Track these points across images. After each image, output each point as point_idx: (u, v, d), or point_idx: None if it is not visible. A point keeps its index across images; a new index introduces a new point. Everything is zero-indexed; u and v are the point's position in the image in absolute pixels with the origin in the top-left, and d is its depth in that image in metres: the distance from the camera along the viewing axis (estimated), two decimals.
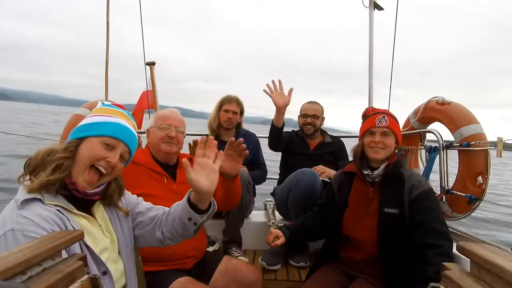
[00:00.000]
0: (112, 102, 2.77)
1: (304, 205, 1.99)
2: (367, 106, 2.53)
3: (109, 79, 3.04)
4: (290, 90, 2.06)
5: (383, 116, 1.48)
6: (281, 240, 1.59)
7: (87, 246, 0.90)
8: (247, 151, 1.43)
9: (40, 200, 0.87)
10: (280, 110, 2.07)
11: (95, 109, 1.05)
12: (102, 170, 0.96)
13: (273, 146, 2.31)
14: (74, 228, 0.89)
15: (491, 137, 2.13)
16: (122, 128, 1.01)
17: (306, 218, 1.71)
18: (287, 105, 2.07)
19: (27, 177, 0.91)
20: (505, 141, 2.03)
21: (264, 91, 2.05)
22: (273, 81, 2.06)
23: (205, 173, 1.00)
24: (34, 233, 0.79)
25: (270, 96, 2.04)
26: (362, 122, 1.60)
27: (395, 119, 1.53)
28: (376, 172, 1.47)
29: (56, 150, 0.94)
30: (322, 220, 1.66)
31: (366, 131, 1.51)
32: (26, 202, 0.84)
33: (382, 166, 1.46)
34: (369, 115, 1.55)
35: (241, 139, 1.41)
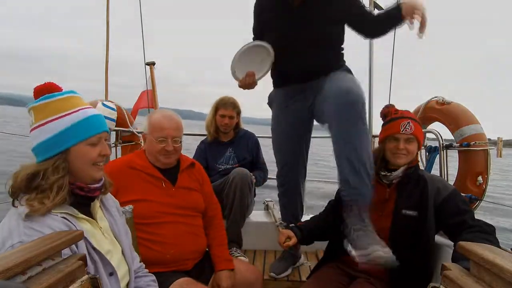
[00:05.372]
0: (111, 102, 2.77)
1: None
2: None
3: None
4: None
5: (408, 122, 1.43)
6: (293, 240, 1.55)
7: (94, 248, 0.90)
8: None
9: None
10: None
11: (49, 107, 0.91)
12: (102, 164, 0.97)
13: None
14: None
15: None
16: (93, 120, 0.95)
17: (318, 217, 1.69)
18: None
19: (24, 195, 0.86)
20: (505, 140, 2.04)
21: None
22: None
23: None
24: None
25: None
26: (383, 123, 1.56)
27: (418, 122, 1.49)
28: (394, 173, 1.44)
29: (44, 170, 0.86)
30: (333, 220, 1.64)
31: (389, 136, 1.47)
32: (31, 213, 0.82)
33: (402, 168, 1.44)
34: (393, 118, 1.50)
35: None
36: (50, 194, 0.85)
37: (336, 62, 1.72)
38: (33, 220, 0.81)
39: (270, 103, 1.94)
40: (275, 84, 1.87)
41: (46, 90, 0.92)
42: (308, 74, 1.70)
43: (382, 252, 1.24)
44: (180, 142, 1.47)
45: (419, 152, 2.53)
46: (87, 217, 0.94)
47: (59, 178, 0.87)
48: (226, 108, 2.34)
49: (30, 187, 0.86)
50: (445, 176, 2.16)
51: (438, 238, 1.58)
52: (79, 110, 0.93)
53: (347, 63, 1.78)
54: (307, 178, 2.08)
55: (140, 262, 1.18)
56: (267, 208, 2.66)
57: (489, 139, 2.12)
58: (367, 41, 2.56)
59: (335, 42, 1.72)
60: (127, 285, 1.04)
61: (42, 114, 0.90)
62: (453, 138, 2.22)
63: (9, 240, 0.78)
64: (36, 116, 0.90)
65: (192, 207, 1.49)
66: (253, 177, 2.22)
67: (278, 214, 2.33)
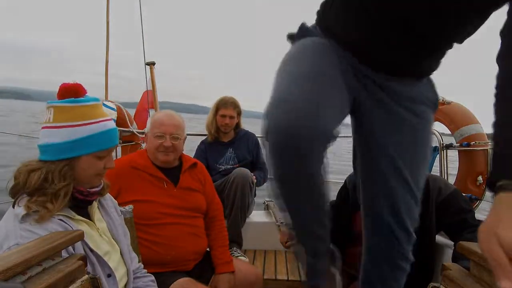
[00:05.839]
0: (112, 102, 2.77)
1: None
2: None
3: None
4: None
5: None
6: None
7: (91, 250, 0.90)
8: None
9: None
10: None
11: (73, 111, 0.90)
12: (103, 174, 0.98)
13: None
14: None
15: None
16: (110, 134, 0.95)
17: None
18: None
19: (24, 196, 0.86)
20: None
21: None
22: None
23: None
24: None
25: None
26: None
27: None
28: None
29: (51, 174, 0.87)
30: (333, 221, 1.64)
31: None
32: (28, 215, 0.82)
33: None
34: None
35: None
36: (55, 200, 0.85)
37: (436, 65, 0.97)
38: (30, 222, 0.81)
39: (297, 36, 0.94)
40: (341, 36, 0.89)
41: (73, 91, 0.92)
42: (394, 55, 0.87)
43: None
44: (180, 140, 1.46)
45: None
46: (84, 219, 0.94)
47: (66, 186, 0.88)
48: (226, 108, 2.34)
49: (37, 189, 0.86)
50: (445, 176, 2.16)
51: (438, 238, 1.58)
52: (100, 121, 0.93)
53: None
54: None
55: (139, 262, 1.18)
56: (267, 208, 2.66)
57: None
58: None
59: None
60: (125, 286, 1.03)
61: (64, 116, 0.90)
62: (453, 138, 2.22)
63: (5, 242, 0.78)
64: (57, 116, 0.90)
65: (194, 208, 1.49)
66: (254, 177, 2.22)
67: (278, 214, 2.33)
